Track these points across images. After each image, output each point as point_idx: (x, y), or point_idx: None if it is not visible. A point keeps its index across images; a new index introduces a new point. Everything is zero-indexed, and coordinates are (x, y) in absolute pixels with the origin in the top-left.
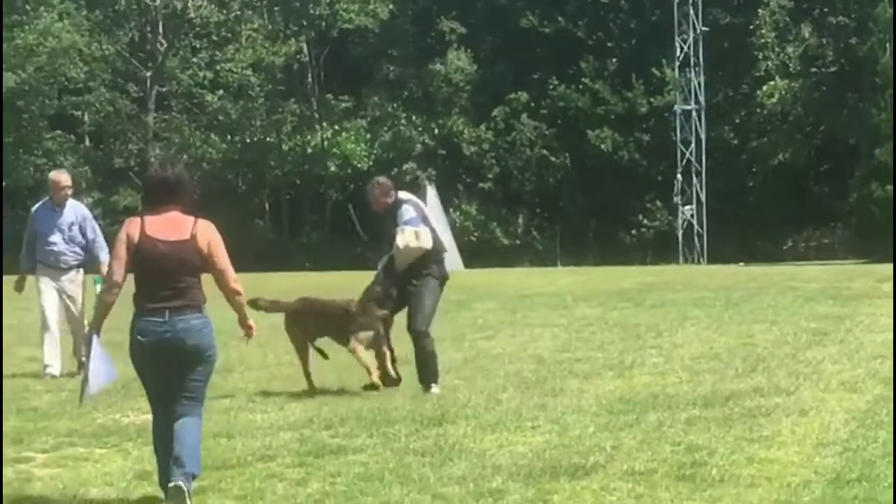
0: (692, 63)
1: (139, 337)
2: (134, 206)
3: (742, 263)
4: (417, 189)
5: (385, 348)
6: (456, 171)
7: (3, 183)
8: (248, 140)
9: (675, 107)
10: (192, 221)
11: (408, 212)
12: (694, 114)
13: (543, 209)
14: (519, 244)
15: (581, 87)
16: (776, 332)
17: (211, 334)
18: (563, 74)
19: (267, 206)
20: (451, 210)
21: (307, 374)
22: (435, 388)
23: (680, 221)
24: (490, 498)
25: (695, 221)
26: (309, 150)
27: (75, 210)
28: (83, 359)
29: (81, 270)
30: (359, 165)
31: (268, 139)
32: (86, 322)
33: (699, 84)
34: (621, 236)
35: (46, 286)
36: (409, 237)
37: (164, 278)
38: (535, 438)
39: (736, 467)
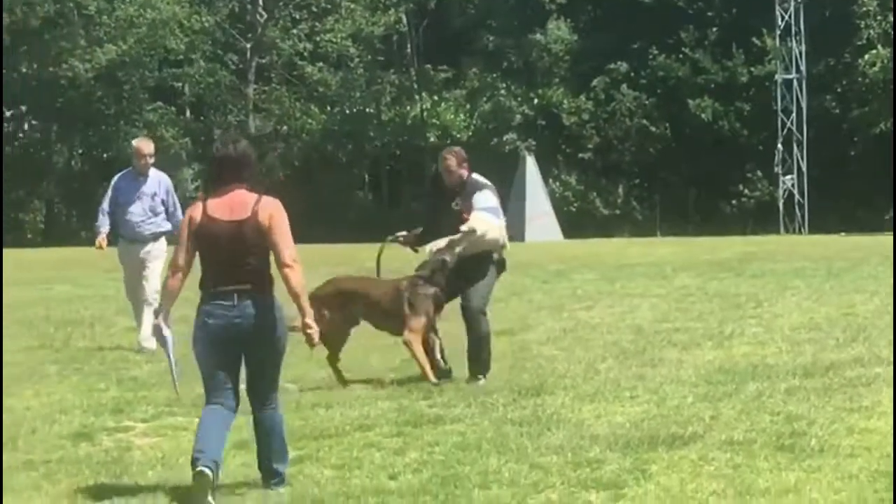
0: (793, 32)
1: (207, 320)
2: None
3: (843, 233)
4: (517, 158)
5: (434, 336)
6: (555, 142)
7: (105, 155)
8: (347, 111)
9: (776, 76)
10: (254, 199)
11: (489, 199)
12: (795, 83)
13: (643, 179)
14: (618, 214)
15: (681, 56)
16: (877, 302)
17: (281, 318)
18: (663, 44)
19: (366, 176)
20: (550, 180)
21: (337, 367)
22: (483, 380)
23: (781, 191)
24: (588, 467)
25: (795, 191)
26: (408, 121)
27: (159, 180)
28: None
29: (164, 240)
30: (458, 136)
31: (367, 110)
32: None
33: (800, 53)
34: (721, 206)
35: (128, 261)
36: (490, 226)
37: (229, 260)
38: (633, 408)
39: (835, 437)
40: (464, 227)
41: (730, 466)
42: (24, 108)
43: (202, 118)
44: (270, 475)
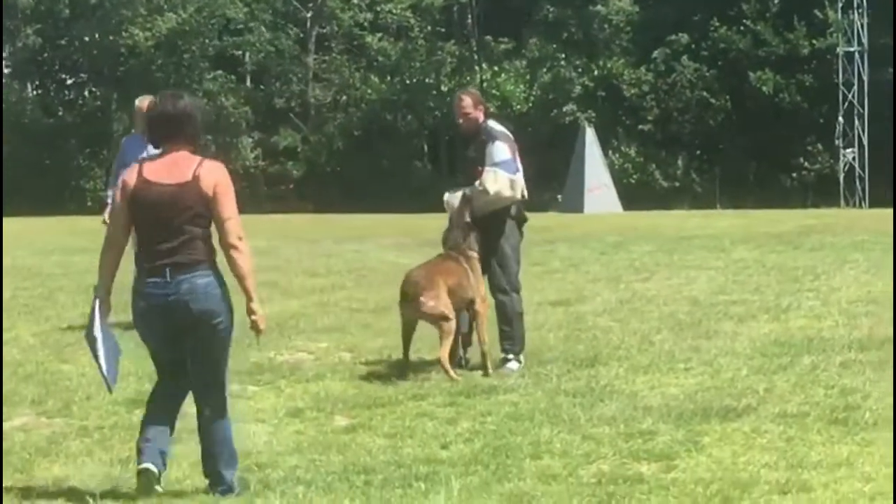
0: (855, 4)
1: (140, 302)
2: (293, 146)
3: None
4: (576, 129)
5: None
6: (615, 113)
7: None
8: (407, 81)
9: (838, 49)
10: (197, 161)
11: (502, 151)
12: (857, 56)
13: (703, 151)
14: (678, 186)
15: (742, 28)
16: None
17: (221, 297)
18: (724, 16)
19: (426, 147)
20: (609, 152)
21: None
22: (513, 364)
23: (841, 164)
24: (640, 439)
25: (856, 165)
26: None
27: None
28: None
29: None
30: (518, 107)
31: (427, 80)
32: None
33: (862, 26)
34: (782, 179)
35: None
36: (503, 183)
37: (164, 229)
38: (687, 380)
39: (889, 411)
40: (476, 185)
41: (783, 439)
42: (84, 76)
43: (262, 87)
44: (216, 481)
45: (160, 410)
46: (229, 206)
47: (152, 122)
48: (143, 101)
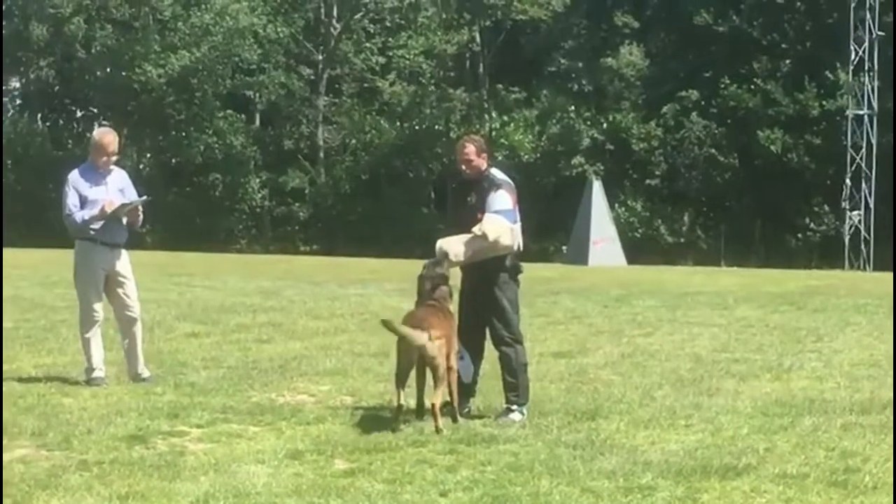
0: (866, 67)
1: None
2: (301, 188)
3: None
4: (583, 181)
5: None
6: (623, 167)
7: (173, 161)
8: (416, 127)
9: (847, 111)
10: None
11: (504, 200)
12: (866, 119)
13: (709, 208)
14: (683, 242)
15: (753, 87)
16: None
17: None
18: (735, 74)
19: (432, 193)
20: (615, 205)
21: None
22: (516, 415)
23: (847, 227)
24: (639, 494)
25: (862, 227)
26: None
27: (122, 175)
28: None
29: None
30: (525, 157)
31: (436, 126)
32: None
33: (872, 89)
34: (787, 239)
35: (91, 269)
36: (503, 231)
37: None
38: (687, 437)
39: (890, 475)
40: (476, 230)
41: (782, 500)
42: (95, 110)
43: (272, 128)
44: None
45: None
46: None
47: None
48: (105, 136)
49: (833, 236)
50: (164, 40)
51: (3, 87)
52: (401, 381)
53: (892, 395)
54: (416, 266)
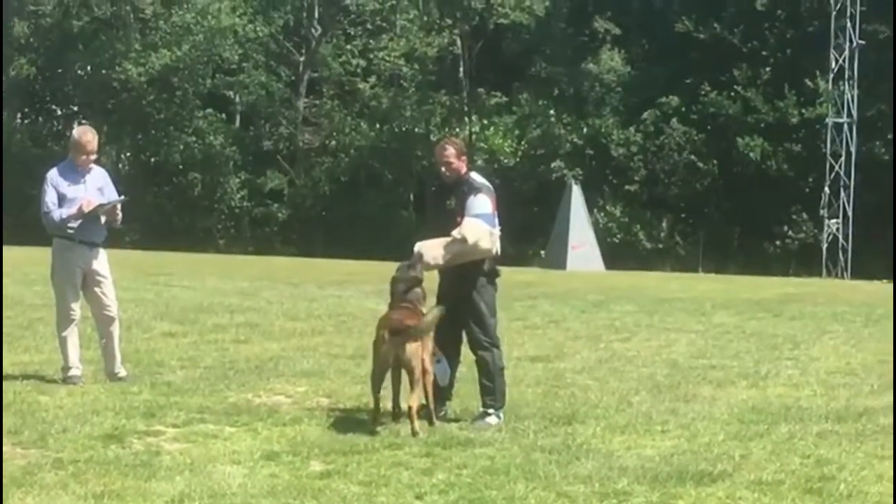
0: (846, 76)
1: None
2: (280, 189)
3: (885, 281)
4: (563, 186)
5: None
6: (602, 172)
7: (153, 160)
8: (396, 129)
9: (827, 119)
10: None
11: (484, 204)
12: (845, 127)
13: (688, 214)
14: (661, 248)
15: (733, 94)
16: None
17: None
18: (715, 81)
19: (412, 196)
20: (594, 210)
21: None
22: (492, 418)
23: (825, 234)
24: (615, 499)
25: (840, 235)
26: None
27: (103, 172)
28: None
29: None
30: (505, 161)
31: (416, 129)
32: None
33: (852, 97)
34: (765, 246)
35: (68, 268)
36: (483, 234)
37: None
38: (663, 442)
39: (864, 484)
40: (455, 233)
41: None
42: (74, 108)
43: (251, 128)
44: None
45: None
46: None
47: None
48: (85, 135)
49: (811, 244)
50: (145, 39)
51: None
52: (377, 384)
53: (868, 402)
54: (394, 269)
